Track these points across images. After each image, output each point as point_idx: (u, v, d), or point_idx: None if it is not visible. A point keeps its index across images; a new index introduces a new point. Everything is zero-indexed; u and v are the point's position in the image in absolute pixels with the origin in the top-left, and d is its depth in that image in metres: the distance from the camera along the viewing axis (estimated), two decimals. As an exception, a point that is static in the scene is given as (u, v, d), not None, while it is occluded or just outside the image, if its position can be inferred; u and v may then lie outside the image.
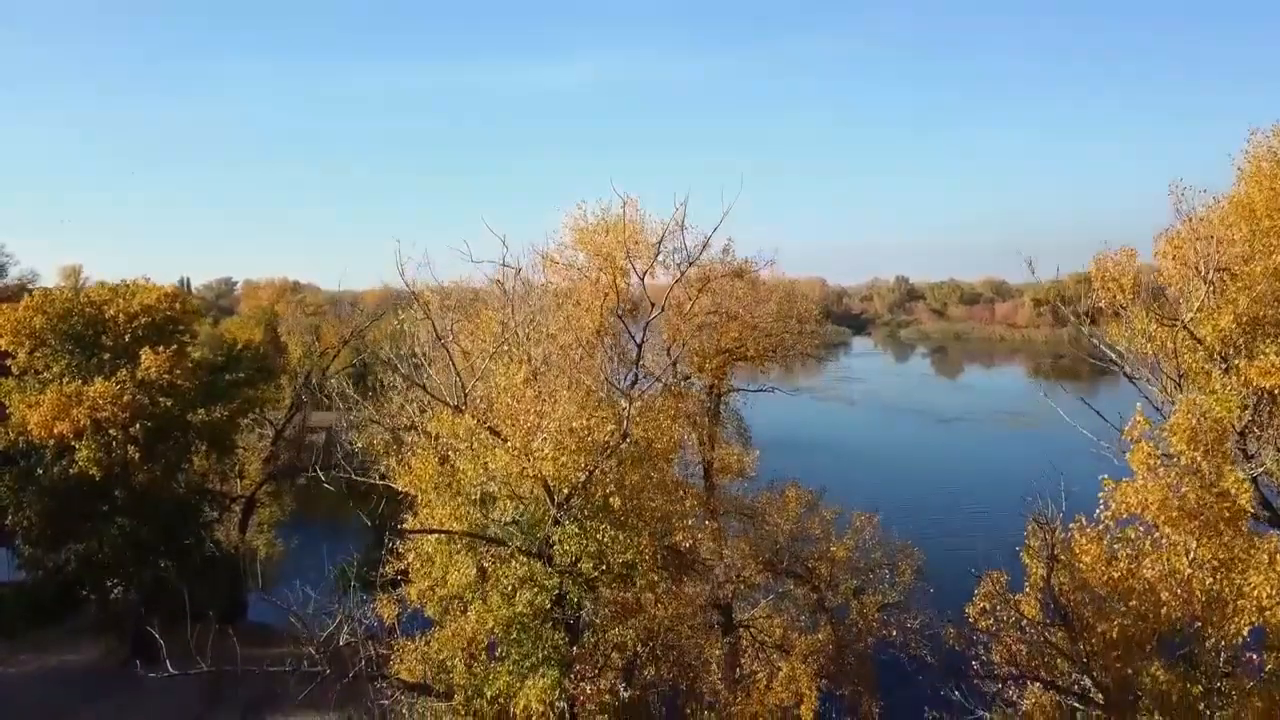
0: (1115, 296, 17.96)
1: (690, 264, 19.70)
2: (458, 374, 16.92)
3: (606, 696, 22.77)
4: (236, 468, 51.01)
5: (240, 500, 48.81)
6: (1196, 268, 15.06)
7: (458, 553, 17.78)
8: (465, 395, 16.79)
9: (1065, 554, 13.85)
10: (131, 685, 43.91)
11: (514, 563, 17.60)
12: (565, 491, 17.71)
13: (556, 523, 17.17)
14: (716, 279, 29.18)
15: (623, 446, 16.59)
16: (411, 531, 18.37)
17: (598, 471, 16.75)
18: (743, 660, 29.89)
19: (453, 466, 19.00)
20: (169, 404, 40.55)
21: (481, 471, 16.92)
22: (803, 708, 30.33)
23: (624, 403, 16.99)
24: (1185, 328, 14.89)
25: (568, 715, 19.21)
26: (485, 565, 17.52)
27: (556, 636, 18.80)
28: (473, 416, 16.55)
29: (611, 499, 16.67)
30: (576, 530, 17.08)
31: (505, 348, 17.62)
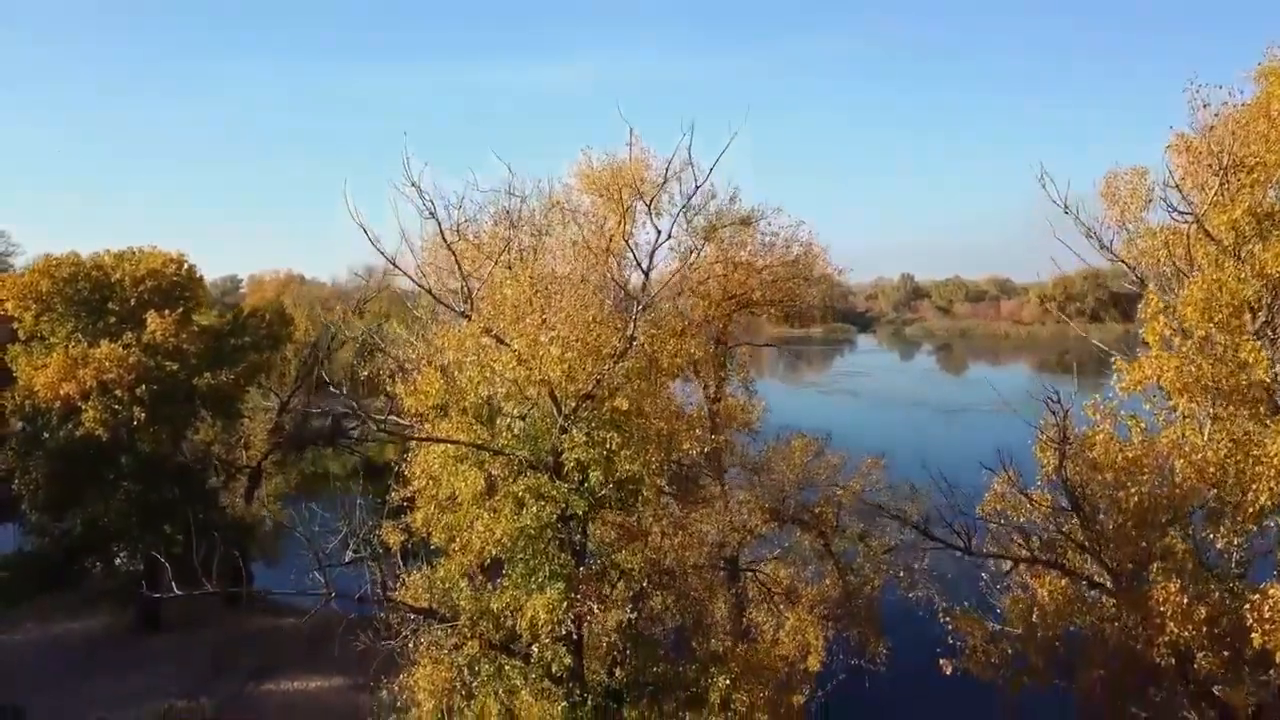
0: (1125, 211, 17.90)
1: (697, 188, 19.49)
2: (463, 279, 16.85)
3: (614, 629, 22.74)
4: (242, 440, 51.03)
5: (246, 470, 48.79)
6: (1210, 165, 14.94)
7: (465, 469, 17.69)
8: (471, 300, 16.72)
9: (1077, 441, 13.75)
10: (137, 653, 44.09)
11: (521, 476, 17.52)
12: (572, 405, 17.63)
13: (563, 431, 17.09)
14: (724, 227, 29.14)
15: (629, 353, 16.48)
16: (418, 439, 18.27)
17: (605, 379, 16.66)
18: (749, 610, 29.71)
19: (460, 388, 18.89)
20: (174, 368, 40.61)
21: (487, 374, 16.82)
22: (809, 659, 30.16)
23: (631, 308, 16.88)
24: (1197, 220, 14.73)
25: (574, 635, 19.09)
26: (494, 472, 17.42)
27: (563, 556, 18.69)
28: (478, 323, 16.47)
29: (618, 401, 16.54)
30: (584, 438, 16.97)
31: (509, 257, 17.52)
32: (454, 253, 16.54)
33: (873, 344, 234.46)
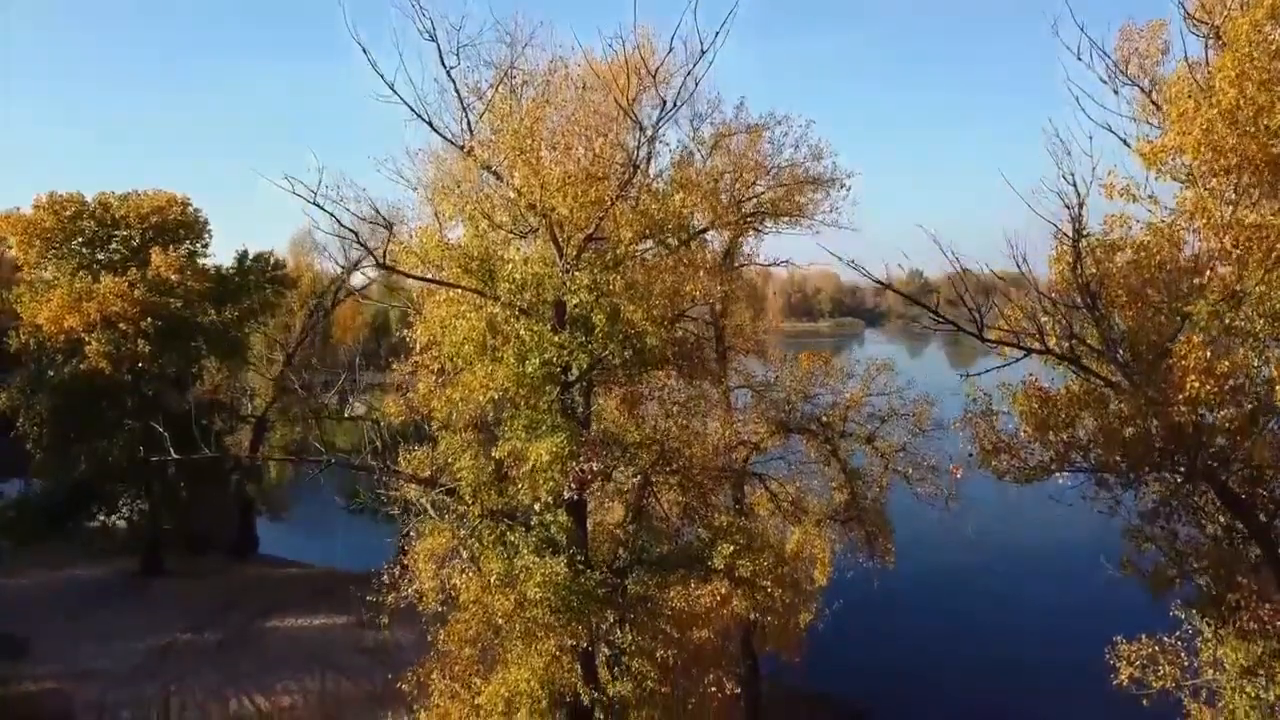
0: (1143, 64, 17.50)
1: (703, 53, 18.94)
2: (464, 109, 16.48)
3: (620, 505, 22.33)
4: (248, 392, 50.85)
5: (251, 419, 48.52)
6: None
7: (465, 310, 17.29)
8: (471, 131, 16.33)
9: (1093, 236, 13.31)
10: (142, 596, 44.00)
11: (525, 323, 17.13)
12: (574, 252, 17.24)
13: (566, 272, 16.69)
14: (731, 135, 28.66)
15: (633, 183, 16.06)
16: (413, 276, 17.84)
17: (609, 216, 16.23)
18: (754, 525, 29.17)
19: (460, 245, 18.46)
20: (178, 304, 40.40)
21: (486, 210, 16.41)
22: (816, 572, 29.65)
23: (640, 136, 16.43)
24: (1215, 32, 14.29)
25: (575, 498, 18.67)
26: (495, 311, 16.99)
27: (568, 421, 18.26)
28: (478, 157, 16.09)
29: (622, 231, 16.10)
30: (589, 281, 16.57)
31: (509, 90, 17.10)
32: (453, 79, 16.17)
33: (881, 338, 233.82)
